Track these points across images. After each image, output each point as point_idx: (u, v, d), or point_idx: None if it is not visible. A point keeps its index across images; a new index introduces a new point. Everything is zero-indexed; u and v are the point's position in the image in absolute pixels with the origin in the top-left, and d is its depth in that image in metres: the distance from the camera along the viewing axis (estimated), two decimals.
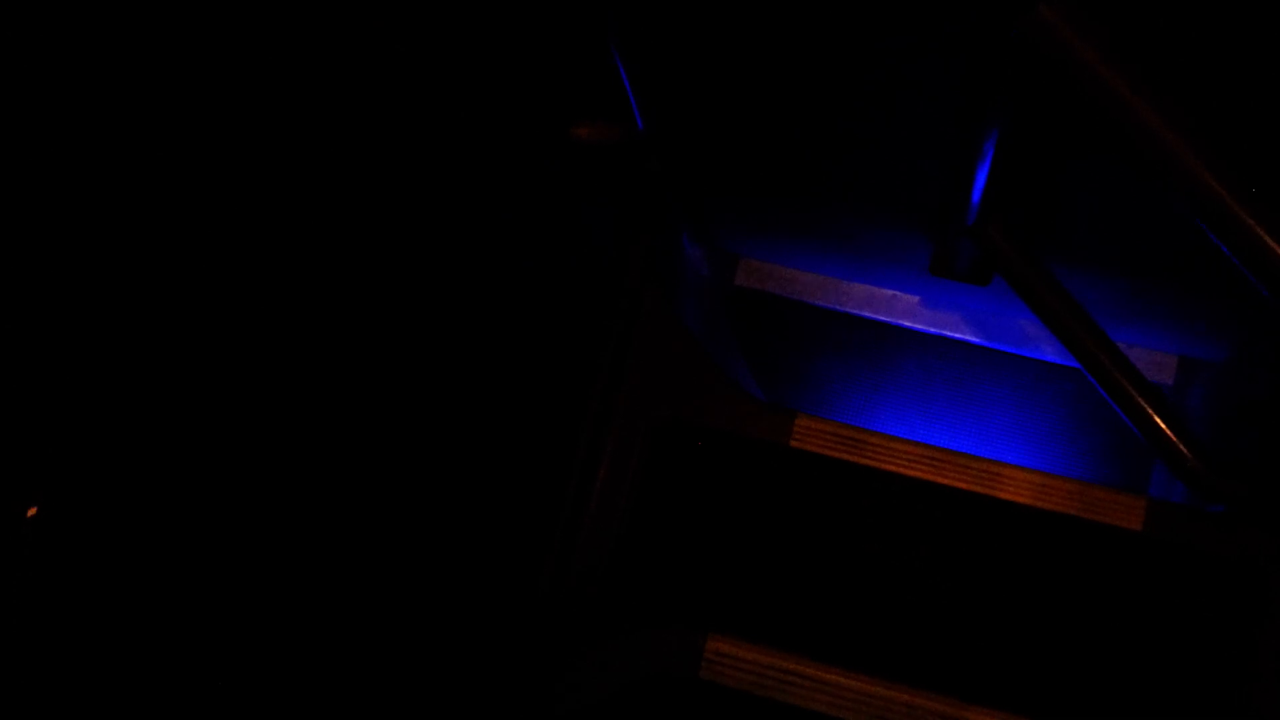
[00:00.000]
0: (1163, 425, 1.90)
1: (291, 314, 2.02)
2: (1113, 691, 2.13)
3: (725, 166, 2.25)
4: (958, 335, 2.73)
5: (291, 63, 1.95)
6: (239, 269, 1.98)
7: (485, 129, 2.06)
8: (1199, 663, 2.13)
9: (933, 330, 2.73)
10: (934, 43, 1.74)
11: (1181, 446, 1.90)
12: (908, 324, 2.74)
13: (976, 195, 2.04)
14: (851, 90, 1.87)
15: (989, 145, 1.90)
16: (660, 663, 1.94)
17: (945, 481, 2.15)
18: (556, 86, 2.01)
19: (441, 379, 2.07)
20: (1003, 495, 2.13)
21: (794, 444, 2.24)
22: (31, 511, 1.89)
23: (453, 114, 2.00)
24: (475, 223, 2.12)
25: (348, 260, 2.01)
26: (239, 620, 1.95)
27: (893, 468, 2.19)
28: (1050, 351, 2.69)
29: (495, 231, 2.12)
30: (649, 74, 1.95)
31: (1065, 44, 1.35)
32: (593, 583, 2.18)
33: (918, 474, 2.16)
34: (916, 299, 2.75)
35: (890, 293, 2.75)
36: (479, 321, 2.15)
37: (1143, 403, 1.90)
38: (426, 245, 2.08)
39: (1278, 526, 2.12)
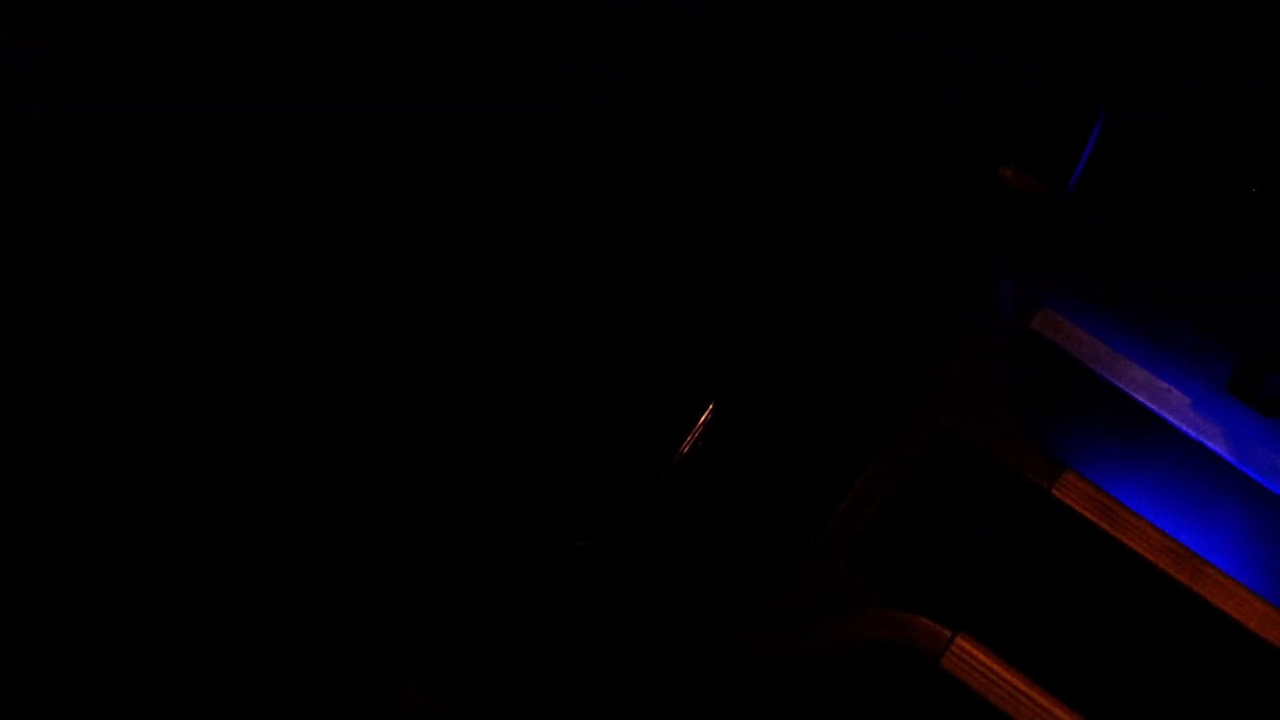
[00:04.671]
0: None
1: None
2: None
3: (1112, 247, 2.44)
4: (1212, 445, 2.91)
5: None
6: None
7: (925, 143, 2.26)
8: None
9: (1192, 433, 2.92)
10: None
11: None
12: (1172, 419, 2.92)
13: None
14: None
15: None
16: (903, 639, 2.20)
17: (1182, 579, 2.37)
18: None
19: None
20: (1229, 610, 2.34)
21: (1055, 493, 2.47)
22: None
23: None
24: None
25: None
26: None
27: (1137, 548, 2.41)
28: None
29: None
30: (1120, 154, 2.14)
31: None
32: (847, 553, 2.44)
33: (1159, 563, 2.38)
34: (1189, 400, 2.92)
35: (1166, 385, 2.93)
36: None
37: None
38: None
39: None
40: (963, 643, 2.17)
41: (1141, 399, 2.96)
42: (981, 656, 2.16)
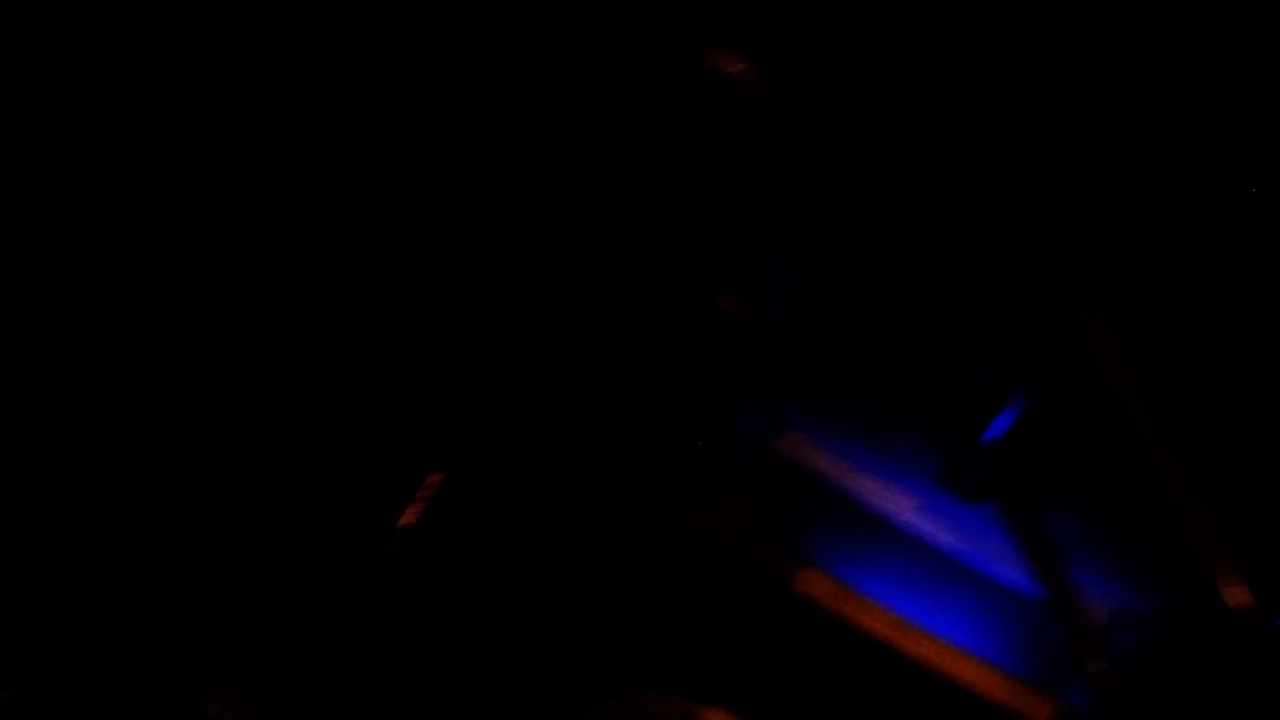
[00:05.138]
0: (1095, 655, 2.43)
1: None
2: None
3: (809, 365, 2.81)
4: (939, 540, 3.29)
5: None
6: None
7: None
8: None
9: (924, 529, 3.29)
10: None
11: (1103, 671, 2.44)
12: (903, 519, 3.30)
13: (996, 435, 2.62)
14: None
15: (1018, 402, 2.48)
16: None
17: (909, 648, 2.68)
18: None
19: None
20: (954, 671, 2.66)
21: (799, 588, 2.77)
22: None
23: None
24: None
25: None
26: None
27: (870, 627, 2.72)
28: (1009, 572, 3.24)
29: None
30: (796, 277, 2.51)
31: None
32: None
33: (890, 637, 2.69)
34: (917, 501, 3.31)
35: (897, 490, 3.31)
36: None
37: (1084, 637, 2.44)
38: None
39: None
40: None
41: (876, 505, 3.32)
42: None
